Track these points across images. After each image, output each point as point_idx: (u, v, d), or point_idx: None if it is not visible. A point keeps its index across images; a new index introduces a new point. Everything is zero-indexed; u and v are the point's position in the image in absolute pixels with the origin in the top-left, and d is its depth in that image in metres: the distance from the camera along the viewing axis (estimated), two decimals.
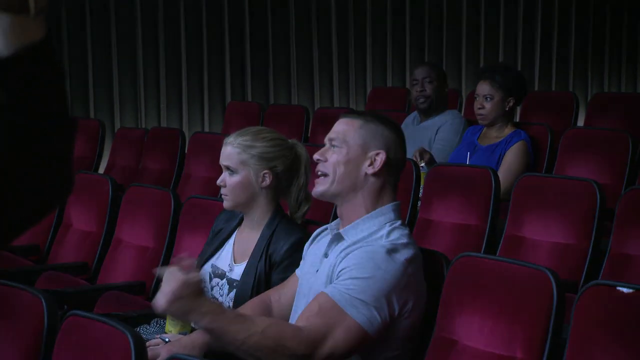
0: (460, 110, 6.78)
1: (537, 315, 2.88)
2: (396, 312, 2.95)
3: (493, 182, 4.37)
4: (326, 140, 3.17)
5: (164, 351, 2.97)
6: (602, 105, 6.72)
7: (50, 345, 2.77)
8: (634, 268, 3.83)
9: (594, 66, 9.84)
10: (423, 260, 3.09)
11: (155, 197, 4.57)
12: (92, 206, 4.78)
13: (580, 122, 6.99)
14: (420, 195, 4.71)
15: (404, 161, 3.23)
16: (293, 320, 3.10)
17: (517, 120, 5.73)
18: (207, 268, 3.57)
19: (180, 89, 8.15)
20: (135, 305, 3.85)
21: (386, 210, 3.10)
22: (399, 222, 3.11)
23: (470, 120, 5.84)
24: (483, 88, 5.38)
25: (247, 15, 8.29)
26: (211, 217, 3.83)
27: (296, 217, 3.53)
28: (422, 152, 5.19)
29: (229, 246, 3.58)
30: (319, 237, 3.27)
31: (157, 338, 3.16)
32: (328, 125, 5.07)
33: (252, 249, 3.46)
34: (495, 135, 5.40)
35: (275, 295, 3.29)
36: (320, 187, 3.13)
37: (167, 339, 3.15)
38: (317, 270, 3.11)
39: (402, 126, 4.97)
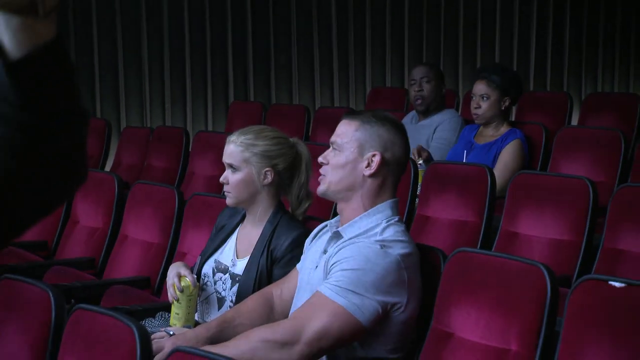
0: (457, 109, 6.77)
1: (532, 309, 2.89)
2: (389, 305, 2.98)
3: (489, 179, 4.37)
4: (330, 142, 3.21)
5: (168, 344, 2.97)
6: (595, 105, 6.73)
7: (58, 338, 2.78)
8: (625, 263, 3.84)
9: (587, 67, 9.85)
10: (420, 256, 3.12)
11: (160, 194, 4.58)
12: (99, 203, 4.78)
13: (574, 121, 6.99)
14: (418, 192, 4.72)
15: (405, 160, 3.24)
16: (292, 313, 3.13)
17: (513, 119, 5.73)
18: (211, 263, 3.57)
19: (184, 89, 8.16)
20: (141, 299, 3.86)
21: (383, 208, 3.13)
22: (396, 218, 3.13)
23: (467, 119, 5.85)
24: (479, 88, 5.39)
25: (250, 17, 8.29)
26: (214, 213, 3.83)
27: (297, 214, 3.53)
28: (420, 150, 5.20)
29: (231, 242, 3.58)
30: (319, 234, 3.29)
31: (161, 331, 3.16)
32: (328, 124, 5.10)
33: (254, 245, 3.47)
34: (491, 133, 5.40)
35: (277, 289, 3.30)
36: (320, 187, 3.19)
37: (171, 332, 3.15)
38: (317, 267, 3.13)
39: None
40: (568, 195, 4.16)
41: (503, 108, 5.40)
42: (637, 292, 2.70)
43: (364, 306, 2.94)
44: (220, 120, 8.12)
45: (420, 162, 5.00)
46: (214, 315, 3.43)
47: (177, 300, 3.35)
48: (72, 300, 3.58)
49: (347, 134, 3.15)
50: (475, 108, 5.40)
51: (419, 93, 5.94)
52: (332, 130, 3.27)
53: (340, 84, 8.80)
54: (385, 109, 6.75)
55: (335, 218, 3.25)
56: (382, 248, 3.00)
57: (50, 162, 1.27)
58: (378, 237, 3.03)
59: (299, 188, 3.52)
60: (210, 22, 8.16)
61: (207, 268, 3.56)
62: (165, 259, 4.32)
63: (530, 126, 5.62)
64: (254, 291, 3.35)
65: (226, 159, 3.50)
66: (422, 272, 3.11)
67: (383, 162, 3.11)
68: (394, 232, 3.07)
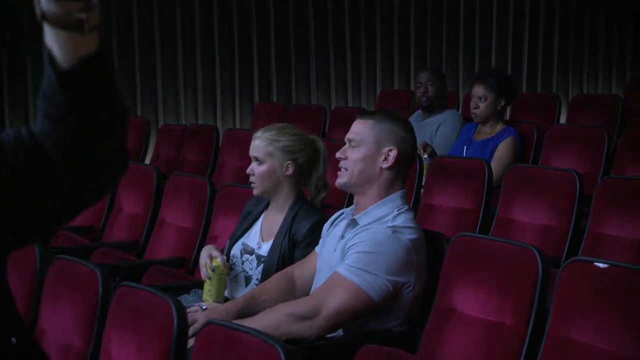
0: (457, 109, 6.76)
1: (525, 287, 2.88)
2: (399, 284, 2.99)
3: (486, 172, 4.36)
4: (346, 139, 3.21)
5: (201, 317, 2.99)
6: (581, 105, 6.71)
7: (104, 312, 2.78)
8: (608, 246, 3.83)
9: (574, 71, 9.81)
10: (426, 240, 3.12)
11: (194, 184, 4.59)
12: (140, 192, 4.80)
13: (563, 120, 6.97)
14: (423, 183, 4.71)
15: (414, 153, 3.27)
16: (313, 291, 3.15)
17: (507, 118, 5.71)
18: (239, 245, 3.57)
19: (214, 91, 8.16)
20: (177, 277, 3.87)
21: (394, 198, 3.13)
22: (406, 207, 3.14)
23: (467, 118, 5.84)
24: (478, 90, 5.38)
25: (272, 27, 8.28)
26: (242, 201, 3.83)
27: (315, 202, 3.54)
28: (425, 146, 5.20)
29: (257, 227, 3.59)
30: (337, 221, 3.29)
31: (195, 306, 3.17)
32: (343, 123, 5.09)
33: (277, 229, 3.47)
34: (488, 131, 5.39)
35: (299, 269, 3.31)
36: (341, 179, 3.19)
37: (204, 307, 3.16)
38: (335, 250, 3.14)
39: None
40: (557, 186, 4.16)
41: (499, 108, 5.39)
42: (619, 272, 2.70)
43: (376, 284, 2.95)
44: (246, 119, 8.12)
45: (425, 156, 5.00)
46: (242, 292, 3.43)
47: (209, 279, 3.36)
48: (117, 278, 3.58)
49: (364, 131, 3.16)
50: (474, 108, 5.39)
51: (424, 94, 5.95)
52: (346, 128, 3.29)
53: (353, 86, 8.79)
54: (394, 109, 6.77)
55: (351, 207, 3.26)
56: (393, 233, 3.01)
57: (95, 156, 1.27)
58: (390, 224, 3.05)
59: (317, 180, 3.52)
60: (237, 31, 8.15)
61: (235, 250, 3.57)
62: (198, 242, 4.32)
63: (523, 124, 5.61)
64: (277, 271, 3.36)
65: (252, 152, 3.51)
66: (428, 254, 3.12)
67: (398, 156, 3.11)
68: (404, 219, 3.08)
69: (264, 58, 8.33)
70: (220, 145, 6.27)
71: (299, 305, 2.98)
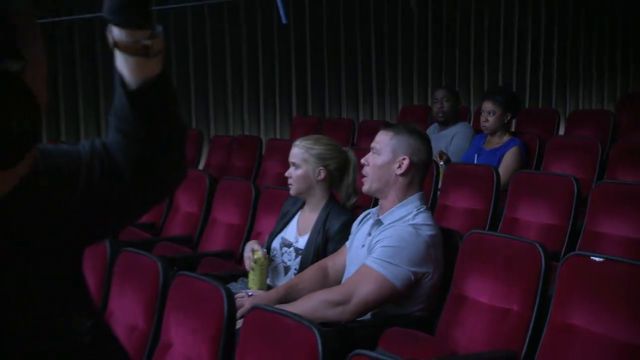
0: (469, 122, 6.73)
1: (529, 278, 2.87)
2: (419, 274, 2.99)
3: (495, 177, 4.35)
4: (370, 147, 3.23)
5: (247, 302, 3.01)
6: (577, 119, 6.68)
7: (164, 298, 2.80)
8: (602, 243, 3.80)
9: (571, 89, 9.75)
10: (442, 236, 3.12)
11: (241, 187, 4.60)
12: (195, 194, 4.81)
13: (561, 132, 6.93)
14: (439, 187, 4.71)
15: (428, 162, 3.25)
16: (344, 281, 3.15)
17: (513, 130, 5.68)
18: (278, 240, 3.59)
19: (258, 106, 8.18)
20: (226, 267, 3.88)
21: (414, 199, 3.14)
22: (424, 207, 3.15)
23: (477, 130, 5.81)
24: (487, 106, 5.36)
25: (308, 52, 8.29)
26: (281, 202, 3.84)
27: (347, 206, 3.54)
28: (441, 154, 5.18)
29: (293, 223, 3.59)
30: (364, 220, 3.30)
31: (242, 292, 3.18)
32: (369, 133, 5.08)
33: (312, 226, 3.48)
34: (496, 141, 5.36)
35: (331, 261, 3.31)
36: (364, 186, 3.23)
37: (250, 293, 3.17)
38: (363, 246, 3.14)
39: None
40: (557, 189, 4.13)
41: (505, 121, 5.37)
42: (612, 265, 2.68)
43: (400, 275, 2.95)
44: (285, 130, 8.14)
45: (441, 163, 4.99)
46: (282, 281, 3.44)
47: (252, 269, 3.37)
48: (175, 268, 3.60)
49: (384, 141, 3.18)
50: (484, 121, 5.38)
51: (440, 109, 5.94)
52: (372, 138, 3.30)
53: (378, 101, 8.79)
54: (413, 122, 6.76)
55: (376, 207, 3.26)
56: (414, 230, 3.02)
57: (158, 166, 1.27)
58: (411, 222, 3.05)
59: (347, 187, 3.53)
60: (278, 55, 8.17)
61: (275, 243, 3.58)
62: (244, 237, 4.34)
63: (527, 135, 5.58)
64: (312, 262, 3.37)
65: (291, 158, 3.53)
66: (444, 249, 3.12)
67: (411, 164, 3.12)
68: (423, 218, 3.08)
69: (301, 78, 8.36)
70: (263, 153, 6.28)
71: (332, 293, 2.99)
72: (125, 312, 2.97)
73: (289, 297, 3.10)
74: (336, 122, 7.26)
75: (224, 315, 2.46)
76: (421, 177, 3.20)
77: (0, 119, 0.87)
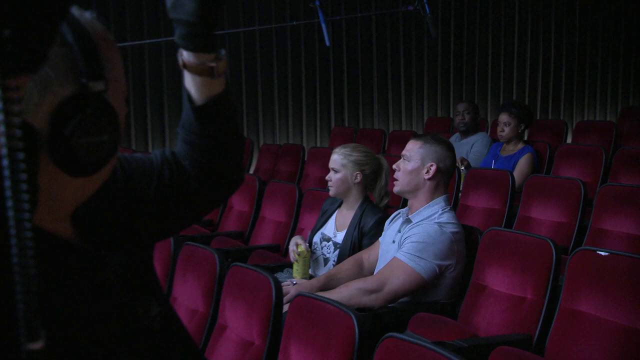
0: (487, 132, 6.69)
1: (541, 270, 2.86)
2: (444, 266, 2.98)
3: (510, 180, 4.34)
4: (401, 154, 3.23)
5: (293, 290, 3.01)
6: (583, 129, 6.62)
7: (220, 285, 2.81)
8: (607, 238, 3.78)
9: (577, 102, 9.66)
10: (464, 233, 3.11)
11: (286, 189, 4.61)
12: (246, 195, 4.84)
13: (569, 140, 6.88)
14: (460, 189, 4.69)
15: (453, 168, 3.25)
16: (376, 272, 3.14)
17: (526, 138, 5.64)
18: (319, 235, 3.59)
19: (301, 118, 8.20)
20: (274, 259, 3.89)
21: (439, 201, 3.13)
22: (449, 207, 3.14)
23: (494, 139, 5.78)
24: (503, 117, 5.35)
25: (345, 69, 8.30)
26: (321, 201, 3.85)
27: (380, 206, 3.54)
28: (462, 160, 5.16)
29: (332, 220, 3.59)
30: (395, 218, 3.29)
31: (288, 281, 3.18)
32: (398, 142, 5.07)
33: (348, 223, 3.48)
34: (511, 149, 5.33)
35: (365, 255, 3.31)
36: (395, 188, 3.22)
37: (294, 282, 3.18)
38: (393, 241, 3.14)
39: None
40: (566, 191, 4.10)
41: (519, 131, 5.34)
42: (615, 259, 2.65)
43: (426, 267, 2.94)
44: (325, 139, 8.15)
45: (462, 168, 4.97)
46: (322, 271, 3.44)
47: (297, 261, 3.38)
48: (229, 260, 3.61)
49: (414, 149, 3.18)
50: (500, 131, 5.36)
51: (462, 121, 5.92)
52: (401, 147, 3.31)
53: (406, 114, 8.76)
54: (438, 132, 6.74)
55: (405, 208, 3.26)
56: (440, 228, 3.00)
57: (220, 172, 1.28)
58: (437, 220, 3.04)
59: (380, 189, 3.54)
60: (319, 73, 8.19)
61: (316, 238, 3.58)
62: (289, 233, 4.35)
63: (539, 144, 5.55)
64: (349, 255, 3.37)
65: (331, 164, 3.53)
66: (465, 244, 3.11)
67: (437, 170, 3.12)
68: (447, 217, 3.07)
69: (338, 93, 8.36)
70: (305, 159, 6.29)
71: (367, 283, 2.98)
72: (187, 298, 2.99)
73: (328, 285, 3.10)
74: (369, 132, 7.25)
75: (272, 301, 2.48)
76: (446, 181, 3.19)
77: (87, 133, 0.88)
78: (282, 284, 2.97)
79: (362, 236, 3.42)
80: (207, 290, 2.89)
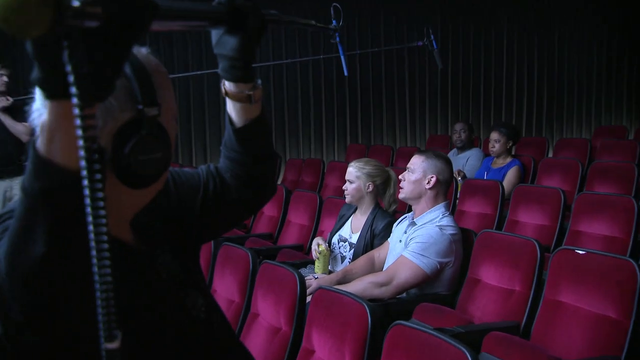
0: (480, 148, 6.65)
1: (528, 266, 2.84)
2: (444, 263, 2.96)
3: (500, 189, 4.31)
4: (407, 166, 3.22)
5: (314, 283, 3.00)
6: (562, 145, 6.56)
7: (253, 280, 2.81)
8: (583, 239, 3.74)
9: (557, 122, 9.58)
10: (461, 234, 3.09)
11: (309, 197, 4.61)
12: (275, 202, 4.82)
13: (550, 155, 6.82)
14: (458, 196, 4.66)
15: (451, 179, 3.23)
16: (386, 268, 3.13)
17: (514, 153, 5.59)
18: (337, 236, 3.57)
19: (321, 137, 8.22)
20: (298, 257, 3.89)
21: (440, 207, 3.12)
22: (448, 213, 3.13)
23: (487, 154, 5.74)
24: (494, 135, 5.31)
25: (359, 93, 8.31)
26: (339, 208, 3.84)
27: (389, 211, 3.52)
28: (459, 172, 5.13)
29: (348, 224, 3.58)
30: (401, 222, 3.28)
31: (310, 276, 3.18)
32: (404, 157, 5.05)
33: (362, 226, 3.46)
34: (501, 162, 5.30)
35: (377, 253, 3.29)
36: (401, 195, 3.22)
37: (316, 276, 3.17)
38: (400, 241, 3.12)
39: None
40: (548, 198, 4.07)
41: (508, 147, 5.30)
42: (591, 257, 2.63)
43: (429, 264, 2.92)
44: (342, 155, 8.15)
45: (459, 179, 4.94)
46: (339, 267, 3.43)
47: (318, 259, 3.37)
48: (260, 257, 3.62)
49: (417, 163, 3.16)
50: (492, 147, 5.32)
51: (459, 139, 5.89)
52: (407, 160, 3.30)
53: (411, 132, 8.75)
54: (437, 147, 6.73)
55: (411, 212, 3.24)
56: (440, 230, 2.99)
57: (257, 184, 1.28)
58: (438, 224, 3.03)
59: (389, 197, 3.53)
60: (336, 97, 8.22)
61: (335, 239, 3.57)
62: (311, 234, 4.33)
63: (524, 157, 5.50)
64: (362, 253, 3.35)
65: (347, 176, 3.53)
66: (462, 243, 3.08)
67: (437, 181, 3.10)
68: (447, 220, 3.06)
69: (353, 115, 8.37)
70: (325, 171, 6.28)
71: (378, 277, 2.96)
72: (225, 290, 2.99)
73: (345, 279, 3.10)
74: (379, 148, 7.24)
75: (297, 293, 2.47)
76: (445, 190, 3.17)
77: (143, 151, 0.89)
78: (305, 278, 2.97)
79: (374, 237, 3.41)
80: (242, 283, 2.89)
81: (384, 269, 3.12)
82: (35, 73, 0.65)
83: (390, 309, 2.85)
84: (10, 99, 4.40)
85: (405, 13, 8.45)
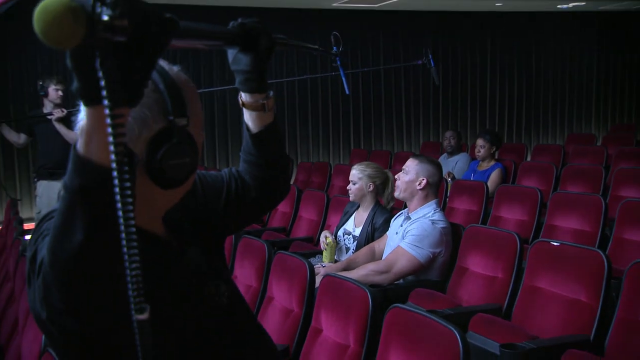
0: (468, 152, 6.63)
1: (509, 256, 2.83)
2: (436, 253, 2.95)
3: (485, 189, 4.28)
4: (402, 168, 3.19)
5: (322, 271, 2.99)
6: (540, 151, 6.54)
7: (269, 267, 2.81)
8: (558, 232, 3.71)
9: (534, 129, 9.54)
10: (451, 228, 3.08)
11: (318, 196, 4.57)
12: (288, 200, 4.80)
13: (529, 159, 6.79)
14: (448, 195, 4.64)
15: (440, 180, 3.22)
16: (385, 257, 3.11)
17: (497, 157, 5.56)
18: (342, 230, 3.57)
19: (328, 142, 8.22)
20: (308, 248, 3.88)
21: (432, 204, 3.11)
22: (439, 209, 3.12)
23: (473, 158, 5.72)
24: (479, 142, 5.29)
25: (361, 106, 8.31)
26: (344, 205, 3.83)
27: (388, 208, 3.51)
28: (449, 174, 5.12)
29: (352, 219, 3.57)
30: (399, 217, 3.27)
31: (318, 265, 3.18)
32: (402, 160, 5.03)
33: (364, 221, 3.46)
34: (485, 165, 5.27)
35: (377, 244, 3.29)
36: (396, 194, 3.20)
37: (323, 265, 3.17)
38: (397, 233, 3.11)
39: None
40: (527, 197, 4.05)
41: (492, 152, 5.28)
42: (565, 247, 2.62)
43: (423, 254, 2.91)
44: (346, 158, 8.14)
45: (449, 180, 4.93)
46: (344, 257, 3.42)
47: (325, 249, 3.37)
48: (275, 248, 3.61)
49: (411, 166, 3.15)
50: (477, 152, 5.29)
51: (449, 145, 5.87)
52: (403, 163, 3.27)
53: (407, 139, 8.73)
54: (430, 152, 6.70)
55: (406, 209, 3.23)
56: (432, 224, 2.98)
57: (273, 182, 1.27)
58: (430, 218, 3.02)
59: (387, 195, 3.52)
60: (342, 109, 8.21)
61: (340, 232, 3.56)
62: (320, 228, 4.32)
63: (506, 161, 5.47)
64: (364, 245, 3.35)
65: (351, 177, 3.52)
66: (452, 236, 3.07)
67: (427, 183, 3.09)
68: (438, 216, 3.05)
69: (356, 124, 8.37)
70: (332, 173, 6.26)
71: (378, 265, 2.96)
72: (244, 277, 2.99)
73: (349, 267, 3.09)
74: (379, 152, 7.22)
75: (307, 279, 2.48)
76: (435, 190, 3.16)
77: (173, 157, 0.89)
78: (315, 266, 2.97)
79: (374, 231, 3.40)
80: (259, 271, 2.89)
81: (383, 259, 3.12)
82: (74, 83, 0.66)
83: (388, 293, 2.84)
84: (65, 111, 4.49)
85: (404, 35, 8.44)
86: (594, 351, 2.24)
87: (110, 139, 0.62)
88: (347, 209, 3.69)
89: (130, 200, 0.63)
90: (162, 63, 0.95)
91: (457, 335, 1.65)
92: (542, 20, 9.19)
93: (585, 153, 5.97)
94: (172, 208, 1.01)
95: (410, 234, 2.96)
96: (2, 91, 6.78)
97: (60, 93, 4.58)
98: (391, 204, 3.53)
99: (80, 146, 0.70)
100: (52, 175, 4.61)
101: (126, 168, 0.63)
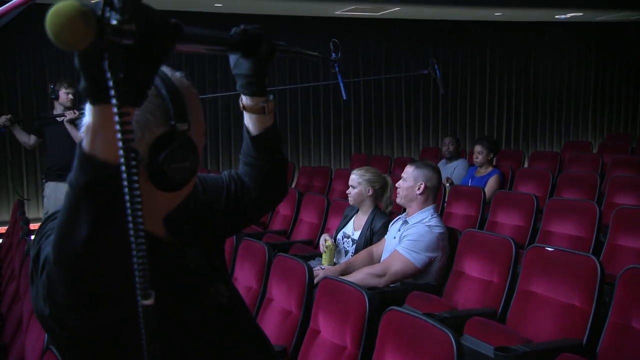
0: (466, 158, 6.63)
1: (505, 260, 2.82)
2: (432, 257, 2.95)
3: (482, 195, 4.29)
4: (402, 175, 3.21)
5: (321, 273, 2.99)
6: (536, 158, 6.54)
7: (269, 269, 2.81)
8: (553, 238, 3.71)
9: (532, 137, 9.54)
10: (448, 233, 3.07)
11: (318, 199, 4.57)
12: (289, 203, 4.82)
13: (526, 165, 6.79)
14: (446, 200, 4.64)
15: (439, 185, 3.22)
16: (382, 261, 3.11)
17: (495, 163, 5.57)
18: (341, 233, 3.56)
19: (330, 147, 8.23)
20: (307, 250, 3.87)
21: (429, 209, 3.10)
22: (436, 214, 3.11)
23: (471, 164, 5.72)
24: (477, 148, 5.29)
25: (362, 112, 8.32)
26: (343, 209, 3.83)
27: (386, 212, 3.51)
28: (447, 179, 5.12)
29: (351, 222, 3.57)
30: (397, 221, 3.27)
31: (317, 267, 3.17)
32: (401, 165, 5.04)
33: (363, 225, 3.45)
34: (483, 171, 5.27)
35: (375, 248, 3.28)
36: (397, 199, 3.20)
37: (323, 267, 3.16)
38: (394, 237, 3.11)
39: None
40: (523, 203, 4.04)
41: (489, 158, 5.28)
42: (559, 253, 2.62)
43: (419, 258, 2.91)
44: (347, 163, 8.15)
45: (447, 185, 4.93)
46: (343, 260, 3.42)
47: (324, 252, 3.36)
48: (275, 250, 3.61)
49: (409, 172, 3.16)
50: (475, 159, 5.30)
51: (448, 150, 5.87)
52: (403, 168, 3.29)
53: (406, 144, 8.74)
54: (429, 157, 6.71)
55: (404, 213, 3.23)
56: (429, 228, 2.97)
57: (272, 184, 1.28)
58: (427, 223, 3.01)
59: (386, 200, 3.51)
60: (343, 115, 8.22)
61: (339, 235, 3.56)
62: (320, 231, 4.32)
63: (503, 167, 5.48)
64: (363, 248, 3.34)
65: (350, 182, 3.52)
66: (449, 241, 3.07)
67: (426, 187, 3.09)
68: (435, 221, 3.04)
69: (357, 129, 8.38)
70: (332, 177, 6.27)
71: (375, 269, 2.96)
72: (244, 278, 2.99)
73: (347, 270, 3.09)
74: (379, 158, 7.23)
75: (306, 281, 2.48)
76: (434, 195, 3.16)
77: (174, 160, 0.90)
78: (314, 269, 2.97)
79: (373, 234, 3.40)
80: (259, 272, 2.89)
81: (381, 262, 3.12)
82: (81, 83, 0.67)
83: (385, 296, 2.84)
84: (77, 112, 4.53)
85: (405, 43, 8.45)
86: (587, 355, 2.24)
87: (119, 135, 0.64)
88: (346, 213, 3.69)
89: (137, 185, 0.64)
90: (165, 69, 0.96)
91: (452, 338, 1.65)
92: (540, 29, 9.22)
93: (581, 161, 5.97)
94: (173, 210, 1.02)
95: (407, 239, 2.96)
96: (12, 94, 6.81)
97: (70, 96, 4.64)
98: (390, 208, 3.53)
99: (85, 144, 0.70)
100: (60, 177, 4.64)
101: (133, 157, 0.64)
